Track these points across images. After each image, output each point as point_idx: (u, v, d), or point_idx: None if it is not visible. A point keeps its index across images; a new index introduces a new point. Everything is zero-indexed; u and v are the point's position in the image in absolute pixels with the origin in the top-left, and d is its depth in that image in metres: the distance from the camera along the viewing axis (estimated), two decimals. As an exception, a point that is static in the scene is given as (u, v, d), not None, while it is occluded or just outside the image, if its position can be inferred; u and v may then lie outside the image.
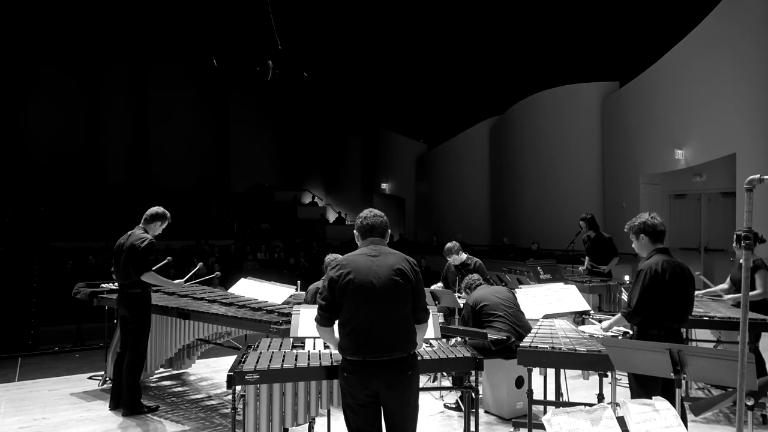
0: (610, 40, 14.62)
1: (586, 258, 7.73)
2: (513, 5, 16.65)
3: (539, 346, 3.62)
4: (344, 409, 2.92)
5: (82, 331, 10.30)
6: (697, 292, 5.30)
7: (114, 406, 4.83)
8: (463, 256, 6.38)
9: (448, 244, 6.44)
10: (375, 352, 2.77)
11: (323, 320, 2.90)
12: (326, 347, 3.62)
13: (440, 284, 6.37)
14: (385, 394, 2.81)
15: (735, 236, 5.11)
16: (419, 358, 3.52)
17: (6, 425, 4.54)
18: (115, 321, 5.62)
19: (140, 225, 4.87)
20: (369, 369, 2.78)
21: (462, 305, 5.82)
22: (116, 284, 5.82)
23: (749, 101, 10.31)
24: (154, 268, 4.72)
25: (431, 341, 3.83)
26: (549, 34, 16.45)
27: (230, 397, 3.39)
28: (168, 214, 4.93)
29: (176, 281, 5.13)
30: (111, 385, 4.99)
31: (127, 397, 4.67)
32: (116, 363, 4.88)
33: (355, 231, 3.07)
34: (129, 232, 4.86)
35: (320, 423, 4.10)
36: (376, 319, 2.79)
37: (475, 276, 5.19)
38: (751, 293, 5.17)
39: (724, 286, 5.36)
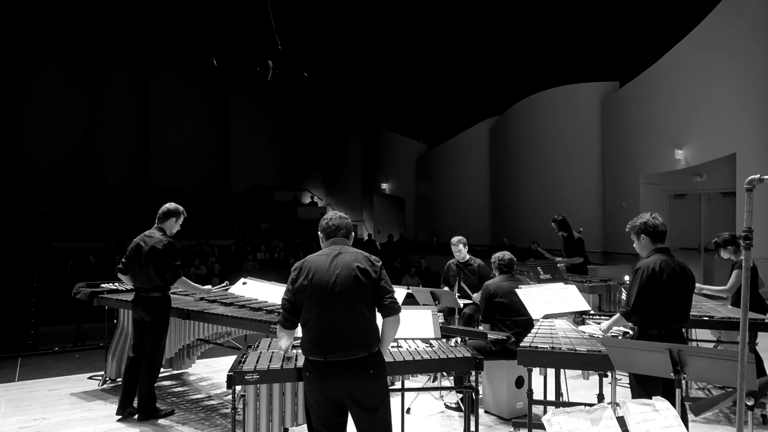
0: (610, 40, 14.63)
1: (563, 256, 8.11)
2: (513, 5, 16.65)
3: (539, 346, 3.62)
4: (306, 408, 2.97)
5: (82, 331, 10.29)
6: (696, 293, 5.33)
7: (122, 413, 4.64)
8: (467, 254, 6.39)
9: (458, 236, 6.45)
10: (335, 352, 2.77)
11: (286, 323, 2.95)
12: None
13: (445, 287, 6.35)
14: (347, 398, 2.80)
15: (714, 243, 5.19)
16: (420, 357, 3.53)
17: (6, 425, 4.54)
18: (114, 322, 5.63)
19: (156, 225, 4.77)
20: (330, 369, 2.78)
21: (462, 305, 5.84)
22: (118, 284, 5.85)
23: (749, 101, 10.31)
24: None
25: (431, 341, 3.83)
26: (548, 34, 16.46)
27: (230, 397, 3.39)
28: (180, 209, 4.83)
29: (206, 287, 5.13)
30: (121, 391, 4.72)
31: (144, 402, 4.58)
32: (128, 368, 4.69)
33: (319, 233, 3.10)
34: (146, 233, 4.75)
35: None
36: (335, 318, 2.80)
37: (507, 254, 5.15)
38: (720, 288, 5.29)
39: (725, 287, 5.37)
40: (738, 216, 10.20)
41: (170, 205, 4.83)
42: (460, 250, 6.32)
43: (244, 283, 5.32)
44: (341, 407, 2.84)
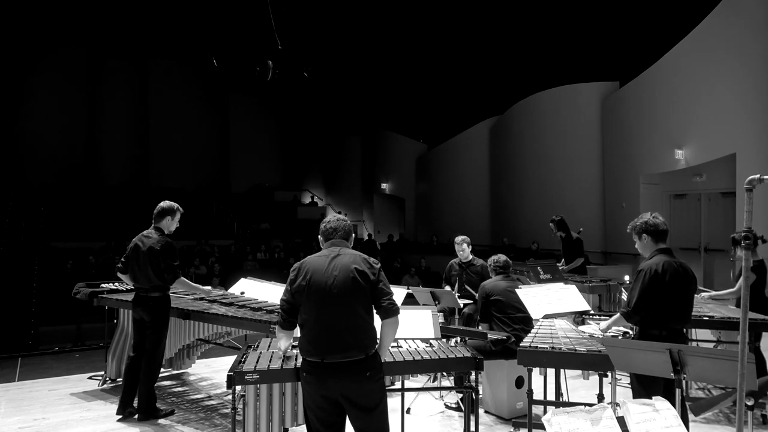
0: (610, 40, 14.62)
1: (563, 259, 8.06)
2: (513, 5, 16.65)
3: (539, 346, 3.62)
4: (304, 408, 2.99)
5: (82, 331, 10.30)
6: (703, 295, 5.32)
7: (122, 413, 4.65)
8: (470, 254, 6.39)
9: (462, 236, 6.45)
10: (333, 353, 2.78)
11: (285, 324, 2.97)
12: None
13: (447, 287, 6.36)
14: (344, 399, 2.81)
15: (732, 239, 5.14)
16: (420, 357, 3.53)
17: (6, 425, 4.54)
18: (114, 322, 5.63)
19: (153, 225, 4.76)
20: (327, 371, 2.79)
21: (462, 305, 5.84)
22: (118, 284, 5.85)
23: (749, 101, 10.30)
24: None
25: (431, 341, 3.83)
26: (548, 34, 16.46)
27: (230, 397, 3.39)
28: (175, 206, 4.81)
29: (205, 287, 5.11)
30: (121, 390, 4.73)
31: (144, 402, 4.58)
32: (129, 367, 4.69)
33: (319, 236, 3.13)
34: (144, 233, 4.74)
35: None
36: (332, 320, 2.81)
37: (502, 257, 5.15)
38: (728, 291, 5.26)
39: (732, 289, 5.35)
40: (738, 216, 10.19)
41: (164, 204, 4.81)
42: (464, 249, 6.32)
43: (242, 293, 5.31)
44: (338, 407, 2.85)
